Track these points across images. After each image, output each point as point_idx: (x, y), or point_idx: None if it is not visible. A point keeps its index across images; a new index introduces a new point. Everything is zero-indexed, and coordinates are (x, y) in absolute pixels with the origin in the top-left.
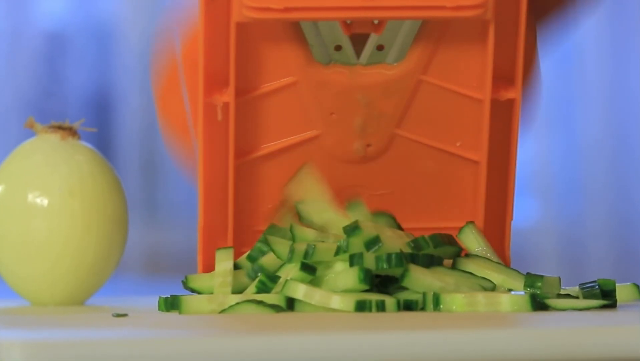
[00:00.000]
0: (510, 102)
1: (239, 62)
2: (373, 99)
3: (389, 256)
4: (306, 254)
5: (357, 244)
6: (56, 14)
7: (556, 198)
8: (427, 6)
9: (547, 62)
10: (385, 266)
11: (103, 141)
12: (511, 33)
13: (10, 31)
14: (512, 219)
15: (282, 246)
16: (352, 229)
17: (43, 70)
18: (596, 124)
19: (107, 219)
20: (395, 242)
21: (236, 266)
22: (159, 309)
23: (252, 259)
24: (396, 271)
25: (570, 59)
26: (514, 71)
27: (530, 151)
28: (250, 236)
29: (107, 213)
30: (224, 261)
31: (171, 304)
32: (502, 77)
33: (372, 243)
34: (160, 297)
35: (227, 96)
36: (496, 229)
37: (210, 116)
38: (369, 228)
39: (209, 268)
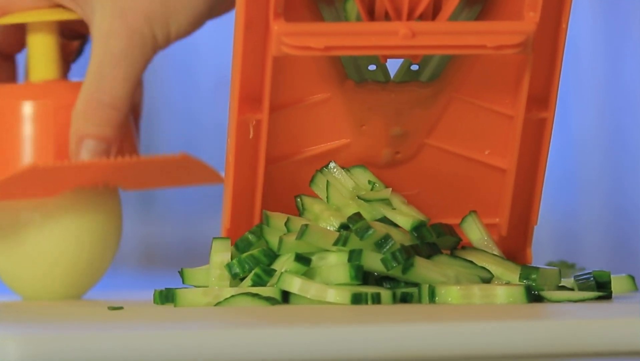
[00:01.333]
0: (543, 121)
1: (273, 80)
2: (404, 112)
3: (394, 254)
4: (300, 234)
5: (358, 242)
6: None
7: (551, 191)
8: (468, 45)
9: None
10: (394, 265)
11: None
12: (548, 56)
13: None
14: (536, 224)
15: (276, 237)
16: (363, 230)
17: None
18: (591, 118)
19: (101, 215)
20: (396, 236)
21: None
22: (154, 302)
23: (239, 249)
24: (395, 272)
25: (565, 52)
26: (549, 92)
27: None
28: None
29: (102, 208)
30: (220, 252)
31: (166, 297)
32: (535, 96)
33: (383, 242)
34: (155, 290)
35: (260, 114)
36: (519, 233)
37: (243, 131)
38: (377, 227)
39: None
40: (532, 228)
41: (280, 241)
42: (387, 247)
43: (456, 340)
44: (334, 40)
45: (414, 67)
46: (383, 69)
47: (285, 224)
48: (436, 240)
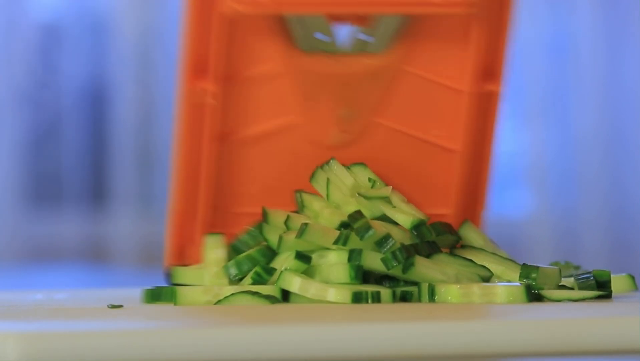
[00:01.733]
0: (491, 94)
1: (222, 50)
2: (354, 87)
3: (394, 253)
4: (299, 233)
5: (358, 242)
6: (51, 5)
7: (551, 189)
8: (416, 2)
9: (542, 54)
10: (395, 264)
11: (98, 133)
12: (496, 28)
13: (5, 22)
14: (483, 209)
15: (275, 235)
16: (364, 230)
17: (38, 61)
18: (590, 116)
19: None
20: (396, 235)
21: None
22: (145, 301)
23: (236, 250)
24: (395, 271)
25: (565, 50)
26: (497, 64)
27: (525, 142)
28: (228, 218)
29: None
30: (215, 249)
31: (157, 295)
32: (484, 70)
33: (384, 241)
34: (144, 289)
35: (209, 83)
36: (469, 218)
37: (192, 101)
38: (378, 226)
39: (179, 249)
40: (480, 213)
41: (280, 239)
42: (388, 247)
43: (456, 338)
44: None
45: (363, 37)
46: (332, 38)
47: (285, 222)
48: (436, 238)
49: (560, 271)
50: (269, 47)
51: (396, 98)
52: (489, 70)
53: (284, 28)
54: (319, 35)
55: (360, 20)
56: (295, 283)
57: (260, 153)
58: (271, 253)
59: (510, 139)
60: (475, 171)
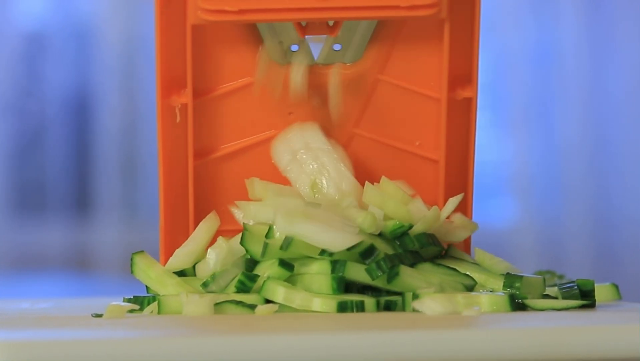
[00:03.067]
0: (468, 101)
1: (196, 64)
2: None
3: (378, 263)
4: (282, 246)
5: (343, 252)
6: (35, 13)
7: (535, 198)
8: (381, 6)
9: (526, 62)
10: (379, 273)
11: (82, 141)
12: (467, 32)
13: None
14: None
15: (257, 245)
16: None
17: (22, 70)
18: (575, 125)
19: None
20: (379, 245)
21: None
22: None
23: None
24: (379, 281)
25: (549, 59)
26: (471, 70)
27: (510, 151)
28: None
29: None
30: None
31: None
32: (459, 76)
33: (368, 253)
34: (124, 298)
35: (185, 98)
36: None
37: (169, 118)
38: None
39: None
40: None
41: (265, 246)
42: (372, 257)
43: (440, 347)
44: (249, 4)
45: (337, 47)
46: (306, 50)
47: (266, 235)
48: (419, 250)
49: (544, 280)
50: (243, 61)
51: (376, 109)
52: (463, 77)
53: (258, 42)
54: (293, 48)
55: (331, 30)
56: (279, 293)
57: (240, 168)
58: (251, 265)
59: (494, 148)
60: (458, 180)
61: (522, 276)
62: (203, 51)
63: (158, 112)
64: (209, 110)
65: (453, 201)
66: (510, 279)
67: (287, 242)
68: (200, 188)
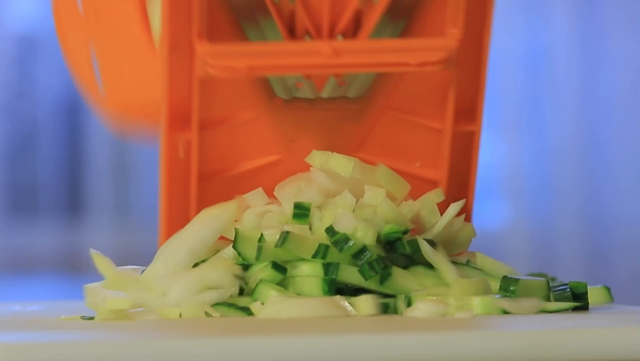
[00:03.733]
0: (471, 134)
1: (202, 104)
2: (334, 128)
3: (371, 264)
4: (280, 241)
5: (337, 254)
6: (27, 16)
7: (527, 200)
8: (391, 63)
9: (518, 65)
10: (372, 274)
11: (74, 144)
12: (474, 70)
13: None
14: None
15: (250, 249)
16: (342, 242)
17: (14, 72)
18: (566, 127)
19: None
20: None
21: None
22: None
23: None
24: (371, 284)
25: (541, 61)
26: (475, 104)
27: (501, 153)
28: None
29: None
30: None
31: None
32: (463, 110)
33: (360, 253)
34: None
35: (190, 133)
36: None
37: (173, 151)
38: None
39: None
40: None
41: (259, 248)
42: (365, 258)
43: (432, 349)
44: (257, 61)
45: (341, 84)
46: (311, 86)
47: (259, 240)
48: (413, 256)
49: (548, 282)
50: (249, 97)
51: (378, 136)
52: (469, 111)
53: (262, 77)
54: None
55: (335, 74)
56: (271, 297)
57: (243, 191)
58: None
59: (485, 150)
60: (457, 199)
61: (518, 280)
62: (208, 86)
63: (163, 148)
64: (212, 139)
65: (455, 206)
66: (505, 282)
67: (283, 238)
68: (202, 208)
